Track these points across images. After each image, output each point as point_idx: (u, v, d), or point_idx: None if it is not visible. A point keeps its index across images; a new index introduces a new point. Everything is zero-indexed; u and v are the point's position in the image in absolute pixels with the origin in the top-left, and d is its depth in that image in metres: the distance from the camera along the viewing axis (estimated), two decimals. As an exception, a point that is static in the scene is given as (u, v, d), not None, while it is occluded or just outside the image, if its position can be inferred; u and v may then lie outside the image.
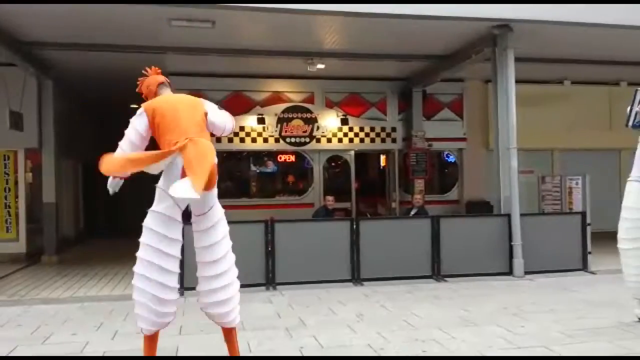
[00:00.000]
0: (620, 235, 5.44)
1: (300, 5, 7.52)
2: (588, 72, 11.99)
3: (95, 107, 14.81)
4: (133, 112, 4.09)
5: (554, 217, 9.12)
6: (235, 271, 4.16)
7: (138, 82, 4.37)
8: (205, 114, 4.01)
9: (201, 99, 4.18)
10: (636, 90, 5.28)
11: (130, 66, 10.69)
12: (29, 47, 9.20)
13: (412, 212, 9.93)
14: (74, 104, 13.19)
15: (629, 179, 5.39)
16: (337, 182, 12.77)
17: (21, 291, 7.67)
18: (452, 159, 13.22)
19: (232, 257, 4.17)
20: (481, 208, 11.17)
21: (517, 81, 8.78)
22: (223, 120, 4.11)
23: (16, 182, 10.86)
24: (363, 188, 13.51)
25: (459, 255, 8.17)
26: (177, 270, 3.88)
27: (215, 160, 3.75)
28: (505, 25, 8.41)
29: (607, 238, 6.98)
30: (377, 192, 13.52)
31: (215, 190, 3.97)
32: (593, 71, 11.80)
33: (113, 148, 4.01)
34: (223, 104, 11.64)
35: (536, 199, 10.46)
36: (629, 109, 5.34)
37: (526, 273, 8.14)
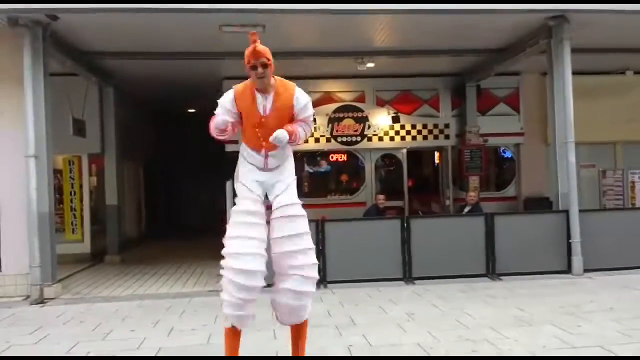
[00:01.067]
0: None
1: (348, 6, 7.56)
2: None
3: (154, 112, 15.38)
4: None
5: (616, 213, 8.78)
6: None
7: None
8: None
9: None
10: None
11: (187, 72, 11.20)
12: (91, 57, 9.66)
13: (466, 210, 9.75)
14: (135, 109, 13.73)
15: None
16: (390, 180, 12.70)
17: (84, 290, 8.07)
18: (508, 154, 12.88)
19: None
20: (540, 204, 10.81)
21: (576, 73, 8.47)
22: None
23: (81, 186, 11.41)
24: (417, 186, 13.38)
25: (515, 253, 7.97)
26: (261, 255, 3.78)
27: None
28: (560, 16, 8.14)
29: None
30: (431, 190, 13.35)
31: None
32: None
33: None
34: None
35: (597, 194, 10.04)
36: None
37: (585, 271, 7.84)
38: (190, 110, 15.24)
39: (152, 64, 10.24)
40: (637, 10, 7.95)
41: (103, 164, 11.56)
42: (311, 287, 3.93)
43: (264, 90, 3.86)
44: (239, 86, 3.96)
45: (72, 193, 11.31)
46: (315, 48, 9.82)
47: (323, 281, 7.65)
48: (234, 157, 13.31)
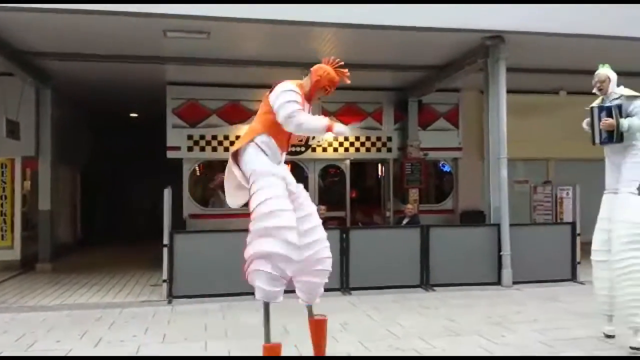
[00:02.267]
0: (595, 246, 5.28)
1: (293, 17, 7.61)
2: (584, 83, 11.94)
3: (95, 116, 14.96)
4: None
5: (544, 227, 9.15)
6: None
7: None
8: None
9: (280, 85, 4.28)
10: (591, 109, 5.23)
11: (130, 76, 10.99)
12: (28, 57, 9.33)
13: (404, 222, 9.96)
14: (73, 112, 13.32)
15: (605, 191, 5.30)
16: (333, 191, 12.83)
17: (11, 299, 7.72)
18: (447, 168, 13.25)
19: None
20: (475, 218, 11.17)
21: (513, 91, 8.81)
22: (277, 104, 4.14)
23: (13, 190, 10.95)
24: (360, 197, 13.56)
25: (448, 264, 8.18)
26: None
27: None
28: (497, 37, 8.47)
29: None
30: (373, 202, 13.56)
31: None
32: (589, 81, 11.75)
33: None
34: (220, 114, 11.87)
35: (529, 209, 10.47)
36: (587, 127, 5.28)
37: (515, 283, 8.13)
38: (132, 115, 14.94)
39: (94, 67, 9.98)
40: (569, 34, 8.37)
41: (37, 167, 11.14)
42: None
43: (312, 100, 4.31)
44: (297, 86, 4.21)
45: (3, 197, 10.84)
46: (261, 57, 9.83)
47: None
48: (175, 163, 13.11)
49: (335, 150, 12.26)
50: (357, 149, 12.38)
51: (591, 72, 10.71)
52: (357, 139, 12.37)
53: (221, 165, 12.32)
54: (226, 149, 11.74)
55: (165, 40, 8.50)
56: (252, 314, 6.53)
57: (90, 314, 6.68)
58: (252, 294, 7.41)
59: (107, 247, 14.14)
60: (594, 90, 5.29)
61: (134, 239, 14.43)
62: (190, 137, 11.63)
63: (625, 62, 10.14)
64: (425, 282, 8.13)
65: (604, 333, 5.29)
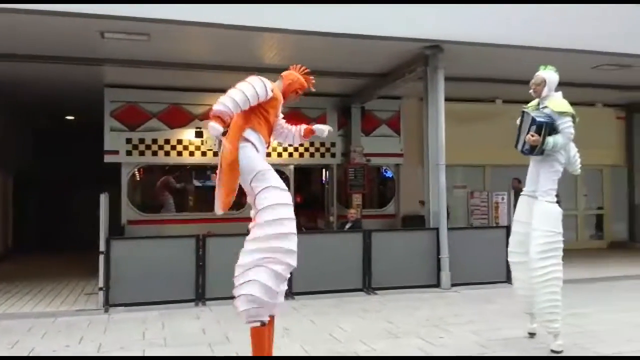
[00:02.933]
0: (510, 248, 5.48)
1: (237, 21, 7.54)
2: (519, 92, 12.45)
3: (30, 118, 14.35)
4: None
5: (480, 231, 9.45)
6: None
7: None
8: None
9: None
10: (523, 112, 5.35)
11: (66, 78, 10.60)
12: (-45, 56, 8.87)
13: (347, 226, 10.07)
14: (6, 114, 12.73)
15: (522, 193, 5.51)
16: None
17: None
18: (389, 174, 13.50)
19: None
20: (416, 222, 11.40)
21: (451, 99, 9.05)
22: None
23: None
24: (305, 202, 13.62)
25: (390, 268, 8.32)
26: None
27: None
28: (436, 46, 8.70)
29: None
30: (318, 206, 13.64)
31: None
32: (523, 91, 12.26)
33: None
34: (161, 117, 11.65)
35: (467, 213, 10.81)
36: (518, 132, 5.38)
37: (453, 285, 8.37)
38: (68, 118, 14.43)
39: (28, 68, 9.57)
40: (505, 44, 8.69)
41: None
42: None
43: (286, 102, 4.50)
44: (274, 85, 4.31)
45: None
46: (205, 60, 9.72)
47: (201, 298, 7.51)
48: (112, 167, 12.73)
49: (280, 155, 12.26)
50: (301, 154, 12.43)
51: (526, 82, 11.17)
52: (301, 144, 12.39)
53: (162, 169, 12.21)
54: (167, 153, 11.56)
55: (103, 41, 8.27)
56: (192, 322, 6.45)
57: (21, 324, 6.40)
58: (192, 300, 7.38)
59: (42, 255, 13.52)
60: (530, 92, 5.42)
61: (70, 246, 13.88)
62: (129, 140, 11.34)
63: (561, 72, 10.70)
64: (367, 286, 8.24)
65: (528, 332, 5.52)
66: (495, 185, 12.36)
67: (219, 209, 4.19)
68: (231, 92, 3.95)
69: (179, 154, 11.65)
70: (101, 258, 7.25)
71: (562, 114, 5.20)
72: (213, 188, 13.07)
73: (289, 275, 4.13)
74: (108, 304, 7.22)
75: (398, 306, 7.27)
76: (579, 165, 5.49)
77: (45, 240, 15.40)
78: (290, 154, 12.32)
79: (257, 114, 4.14)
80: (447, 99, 8.97)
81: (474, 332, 5.82)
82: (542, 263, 5.00)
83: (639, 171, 14.45)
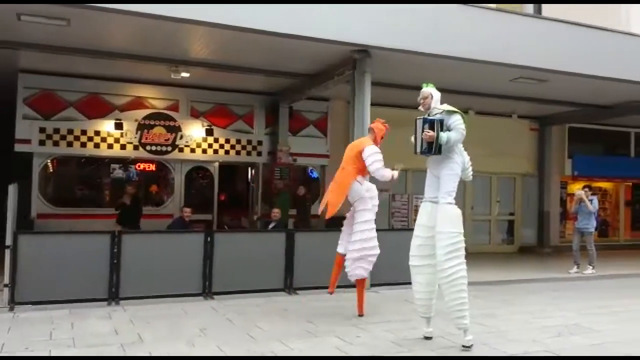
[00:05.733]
0: (412, 252, 5.63)
1: (162, 12, 7.29)
2: (443, 100, 12.94)
3: None
4: None
5: (400, 233, 9.62)
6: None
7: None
8: (360, 152, 6.62)
9: (364, 143, 6.76)
10: (416, 120, 5.58)
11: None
12: None
13: (271, 226, 10.01)
14: None
15: (423, 200, 5.72)
16: (201, 193, 12.55)
17: None
18: (315, 174, 13.57)
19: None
20: (339, 223, 11.48)
21: (378, 104, 9.17)
22: (369, 161, 6.56)
23: None
24: (229, 200, 13.42)
25: (312, 268, 8.31)
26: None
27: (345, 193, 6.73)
28: (364, 51, 8.82)
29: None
30: (242, 205, 13.49)
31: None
32: (447, 99, 12.70)
33: None
34: (78, 106, 11.11)
35: (388, 216, 11.05)
36: (412, 138, 5.63)
37: (373, 285, 8.49)
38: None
39: None
40: (431, 54, 8.91)
41: None
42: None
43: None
44: (374, 144, 6.83)
45: None
46: (127, 50, 9.36)
47: (115, 297, 7.21)
48: (24, 156, 11.95)
49: (204, 151, 12.03)
50: (227, 152, 12.26)
51: (451, 91, 11.63)
52: (227, 141, 12.24)
53: (77, 161, 11.61)
54: (83, 144, 11.05)
55: (20, 24, 7.79)
56: (104, 322, 6.19)
57: None
58: (104, 299, 7.07)
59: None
60: (419, 107, 5.72)
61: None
62: (42, 129, 10.75)
63: (478, 82, 11.17)
64: (289, 286, 8.23)
65: (424, 336, 5.63)
66: (417, 189, 12.70)
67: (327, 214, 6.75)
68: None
69: (96, 145, 11.17)
70: (8, 253, 6.80)
71: (451, 112, 5.49)
72: (131, 182, 12.60)
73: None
74: (14, 302, 6.79)
75: (318, 306, 7.31)
76: (471, 172, 5.73)
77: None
78: (216, 151, 12.12)
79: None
80: (373, 104, 9.13)
81: (390, 331, 5.94)
82: (449, 264, 5.21)
83: (548, 180, 15.33)
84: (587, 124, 15.45)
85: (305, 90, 11.30)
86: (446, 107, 5.55)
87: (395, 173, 6.62)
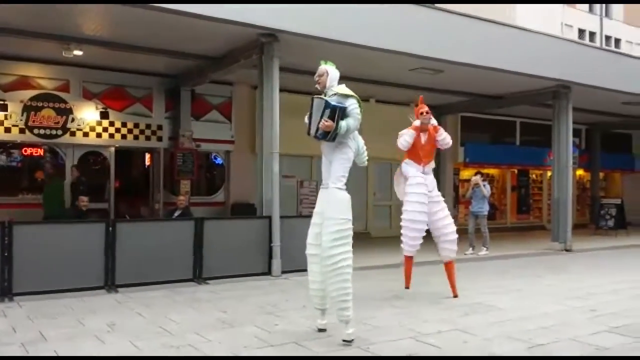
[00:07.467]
0: (308, 240, 5.31)
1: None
2: (354, 89, 13.06)
3: None
4: None
5: (308, 220, 9.63)
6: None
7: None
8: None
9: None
10: (312, 98, 5.24)
11: None
12: None
13: (176, 214, 9.65)
14: None
15: (321, 186, 5.39)
16: (95, 180, 11.79)
17: None
18: (219, 161, 13.26)
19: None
20: (245, 210, 11.37)
21: (286, 90, 9.05)
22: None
23: None
24: (125, 187, 12.77)
25: (222, 256, 8.17)
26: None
27: None
28: (271, 35, 8.69)
29: (360, 239, 7.54)
30: (140, 193, 12.88)
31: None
32: (355, 87, 12.84)
33: None
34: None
35: (296, 202, 11.06)
36: (306, 117, 5.30)
37: (283, 272, 8.50)
38: None
39: None
40: (337, 40, 8.96)
41: None
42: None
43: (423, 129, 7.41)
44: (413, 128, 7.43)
45: None
46: (13, 25, 8.52)
47: (8, 293, 6.59)
48: None
49: (99, 135, 11.30)
50: (124, 136, 11.60)
51: (361, 80, 11.73)
52: (124, 125, 11.58)
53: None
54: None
55: None
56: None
57: None
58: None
59: None
60: (316, 86, 5.34)
61: None
62: None
63: (379, 71, 11.43)
64: (198, 276, 7.99)
65: (317, 328, 5.38)
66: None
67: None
68: None
69: (-23, 128, 10.11)
70: None
71: (348, 96, 5.17)
72: (14, 169, 11.68)
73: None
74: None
75: (230, 295, 7.16)
76: (366, 157, 5.48)
77: None
78: (112, 135, 11.43)
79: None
80: (282, 89, 9.04)
81: (306, 317, 5.94)
82: (334, 251, 4.92)
83: (443, 167, 16.09)
84: (478, 114, 16.41)
85: (208, 73, 10.96)
86: (342, 89, 5.19)
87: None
